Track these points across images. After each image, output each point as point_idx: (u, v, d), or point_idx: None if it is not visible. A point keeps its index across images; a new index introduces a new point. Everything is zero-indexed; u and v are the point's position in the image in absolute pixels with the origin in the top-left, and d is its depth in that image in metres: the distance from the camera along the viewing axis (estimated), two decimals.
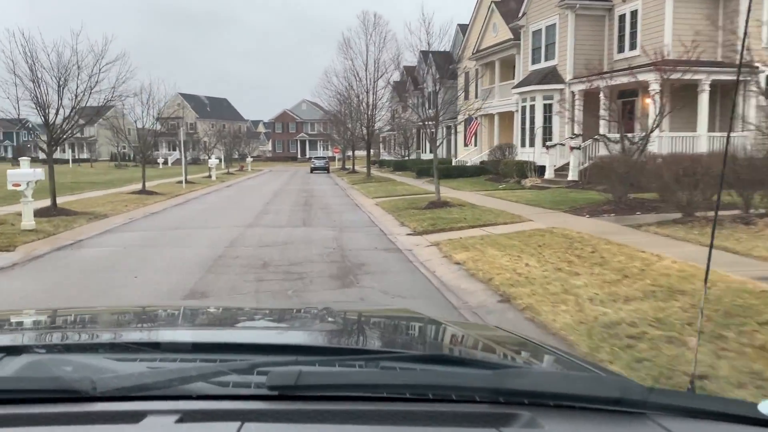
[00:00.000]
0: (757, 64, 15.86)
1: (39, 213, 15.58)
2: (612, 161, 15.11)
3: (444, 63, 30.22)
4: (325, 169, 54.95)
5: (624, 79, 20.08)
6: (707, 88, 20.18)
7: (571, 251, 9.18)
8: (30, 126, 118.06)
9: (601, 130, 22.48)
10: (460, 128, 39.50)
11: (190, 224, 15.18)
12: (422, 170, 36.26)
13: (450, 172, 32.95)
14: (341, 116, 46.07)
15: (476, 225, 13.02)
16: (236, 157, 64.73)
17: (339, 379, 1.22)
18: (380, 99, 39.81)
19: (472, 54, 34.94)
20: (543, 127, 25.29)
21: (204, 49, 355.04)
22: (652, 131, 15.48)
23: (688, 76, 17.42)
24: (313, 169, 55.25)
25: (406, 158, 50.82)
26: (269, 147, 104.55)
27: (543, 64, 26.00)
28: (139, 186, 26.24)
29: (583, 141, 22.78)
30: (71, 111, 15.47)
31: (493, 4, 32.22)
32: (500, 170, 27.16)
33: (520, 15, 27.91)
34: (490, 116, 32.32)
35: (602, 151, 22.19)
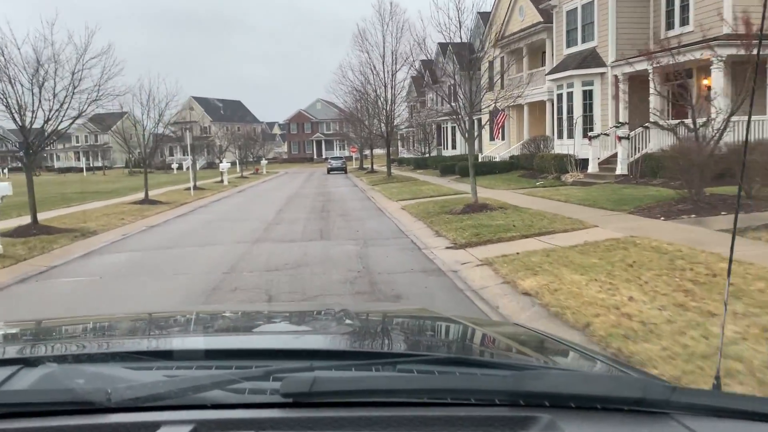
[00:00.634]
0: None
1: (16, 232, 13.59)
2: (688, 151, 12.65)
3: (465, 54, 27.83)
4: (343, 170, 52.80)
5: (682, 59, 17.53)
6: None
7: (680, 274, 6.82)
8: (47, 134, 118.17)
9: (652, 117, 20.02)
10: (485, 122, 37.08)
11: (189, 241, 13.01)
12: (447, 168, 33.92)
13: (478, 168, 30.36)
14: (358, 113, 43.78)
15: (531, 234, 10.68)
16: (253, 159, 62.89)
17: (354, 385, 1.19)
18: (399, 93, 37.40)
19: (497, 41, 32.52)
20: (583, 116, 22.80)
21: (216, 54, 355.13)
22: (732, 114, 12.99)
23: None
24: (329, 170, 53.12)
25: (427, 155, 48.53)
26: (285, 148, 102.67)
27: (580, 47, 23.51)
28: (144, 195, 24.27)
29: (631, 130, 20.31)
30: (49, 113, 13.35)
31: None
32: (535, 165, 24.73)
33: None
34: (519, 107, 29.87)
35: (654, 141, 19.73)
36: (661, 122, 19.56)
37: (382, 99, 36.07)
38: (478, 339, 1.98)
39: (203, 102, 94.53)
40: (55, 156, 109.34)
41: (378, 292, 7.47)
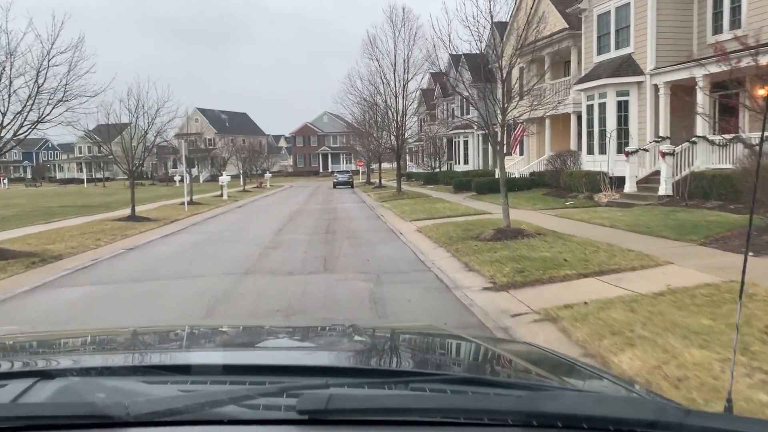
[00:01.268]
0: None
1: None
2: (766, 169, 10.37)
3: (478, 66, 25.71)
4: (349, 184, 50.69)
5: (741, 65, 15.31)
6: None
7: None
8: (51, 145, 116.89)
9: (699, 131, 17.81)
10: (519, 132, 34.93)
11: (165, 271, 10.80)
12: (461, 184, 31.73)
13: (496, 185, 28.20)
14: (366, 125, 41.64)
15: (590, 272, 8.44)
16: (258, 172, 60.87)
17: (369, 403, 1.20)
18: (410, 104, 35.22)
19: (515, 51, 30.43)
20: (617, 129, 20.57)
21: (223, 67, 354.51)
22: None
23: None
24: (335, 184, 51.04)
25: (437, 170, 46.39)
26: (290, 162, 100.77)
27: (613, 54, 21.34)
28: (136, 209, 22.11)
29: (673, 145, 18.08)
30: (3, 117, 11.19)
31: None
32: (562, 182, 22.50)
33: None
34: (539, 120, 27.70)
35: (701, 157, 17.49)
36: (710, 137, 17.38)
37: (392, 110, 33.88)
38: (490, 358, 1.98)
39: (208, 113, 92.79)
40: (58, 167, 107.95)
41: None
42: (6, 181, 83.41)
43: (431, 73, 52.05)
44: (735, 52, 14.93)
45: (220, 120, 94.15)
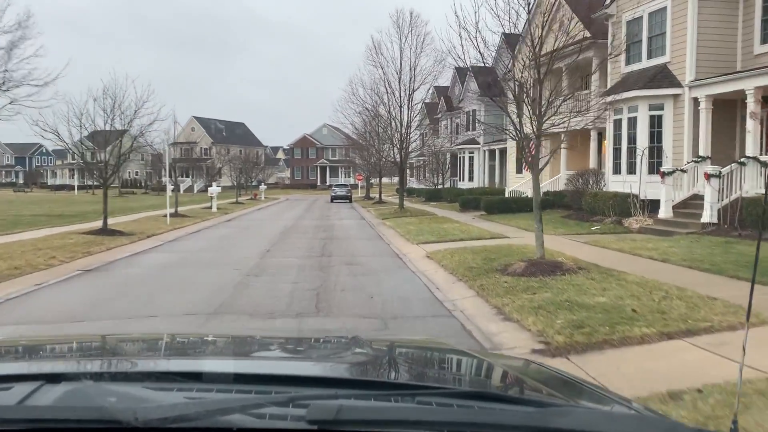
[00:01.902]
0: None
1: None
2: None
3: (486, 80, 23.67)
4: (347, 198, 48.56)
5: None
6: None
7: None
8: (45, 151, 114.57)
9: (749, 150, 15.68)
10: (511, 152, 32.87)
11: (113, 306, 8.54)
12: (467, 202, 29.56)
13: (507, 205, 26.22)
14: (367, 136, 39.50)
15: (674, 331, 6.23)
16: (254, 183, 58.68)
17: (378, 415, 1.18)
18: (415, 116, 33.13)
19: (529, 62, 28.45)
20: (650, 147, 18.45)
21: (223, 78, 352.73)
22: None
23: None
24: (333, 198, 48.91)
25: (440, 187, 44.30)
26: (287, 173, 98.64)
27: (645, 63, 19.30)
28: (111, 221, 19.90)
29: (719, 166, 15.96)
30: None
31: None
32: (585, 205, 20.32)
33: (607, 2, 21.32)
34: (555, 136, 25.64)
35: (750, 181, 15.35)
36: (762, 158, 15.26)
37: (396, 121, 31.74)
38: (495, 373, 1.97)
39: (204, 122, 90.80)
40: (50, 173, 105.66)
41: None
42: None
43: (435, 87, 50.15)
44: None
45: (217, 129, 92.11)
